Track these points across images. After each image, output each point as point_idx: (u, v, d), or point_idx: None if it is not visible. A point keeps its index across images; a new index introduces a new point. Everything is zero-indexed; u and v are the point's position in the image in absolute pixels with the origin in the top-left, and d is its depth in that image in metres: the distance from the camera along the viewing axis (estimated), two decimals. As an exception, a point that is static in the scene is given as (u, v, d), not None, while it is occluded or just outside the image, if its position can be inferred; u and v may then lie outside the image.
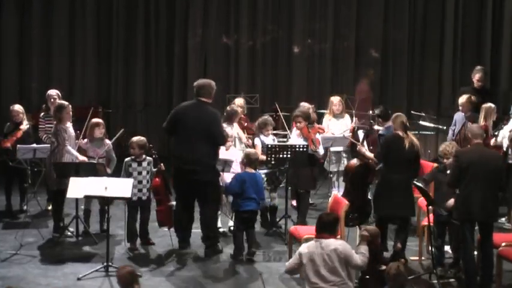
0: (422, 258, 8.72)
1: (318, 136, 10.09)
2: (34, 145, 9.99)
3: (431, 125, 12.76)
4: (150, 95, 15.05)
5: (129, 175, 8.97)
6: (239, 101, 11.21)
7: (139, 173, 9.06)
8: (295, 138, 9.97)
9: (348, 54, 15.05)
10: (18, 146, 9.89)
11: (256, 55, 15.04)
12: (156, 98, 15.01)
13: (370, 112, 12.20)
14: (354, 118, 11.64)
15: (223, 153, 9.50)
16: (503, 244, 7.90)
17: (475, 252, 7.86)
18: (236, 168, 9.44)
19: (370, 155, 8.99)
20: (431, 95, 14.98)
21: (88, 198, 9.33)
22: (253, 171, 8.91)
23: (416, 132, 12.02)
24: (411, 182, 8.42)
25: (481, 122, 10.33)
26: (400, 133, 8.47)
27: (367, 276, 7.23)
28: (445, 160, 8.28)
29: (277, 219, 9.91)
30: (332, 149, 11.00)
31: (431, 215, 8.02)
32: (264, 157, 9.47)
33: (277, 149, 9.47)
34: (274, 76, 15.03)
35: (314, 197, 11.20)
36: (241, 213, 8.81)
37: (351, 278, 6.78)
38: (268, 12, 14.98)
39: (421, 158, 8.85)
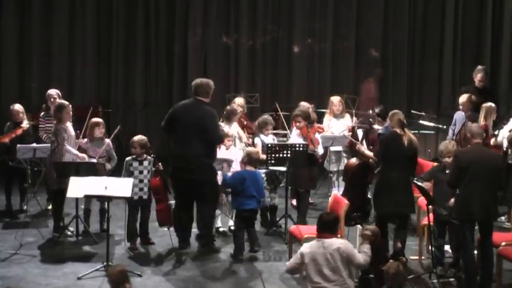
0: (422, 257, 8.72)
1: (318, 136, 10.09)
2: (34, 145, 9.99)
3: (431, 124, 12.76)
4: (150, 94, 15.04)
5: (130, 174, 8.99)
6: (239, 101, 11.22)
7: (141, 172, 9.08)
8: (295, 138, 9.97)
9: (348, 54, 15.05)
10: (18, 145, 9.88)
11: (256, 55, 15.03)
12: (156, 98, 15.01)
13: (370, 111, 12.20)
14: (354, 118, 11.65)
15: (223, 152, 9.50)
16: (503, 243, 7.90)
17: (475, 252, 7.86)
18: (236, 167, 9.45)
19: (370, 153, 8.98)
20: (431, 95, 14.97)
21: (88, 198, 9.33)
22: (253, 169, 8.92)
23: (416, 131, 12.02)
24: (410, 179, 8.42)
25: (481, 121, 10.33)
26: (398, 130, 8.45)
27: (370, 276, 7.23)
28: (445, 159, 8.28)
29: (277, 219, 9.91)
30: (332, 148, 11.01)
31: (431, 215, 8.02)
32: (264, 156, 9.47)
33: (277, 148, 9.47)
34: (274, 76, 15.02)
35: (314, 196, 11.20)
36: (242, 212, 8.81)
37: (352, 277, 6.79)
38: (268, 12, 14.97)
39: (418, 155, 8.84)
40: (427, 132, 13.05)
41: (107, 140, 9.75)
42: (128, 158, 9.16)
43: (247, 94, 13.09)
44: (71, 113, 9.67)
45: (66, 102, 9.74)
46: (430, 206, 7.98)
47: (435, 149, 11.85)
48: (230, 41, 15.01)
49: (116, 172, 9.48)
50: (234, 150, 9.85)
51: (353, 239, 7.73)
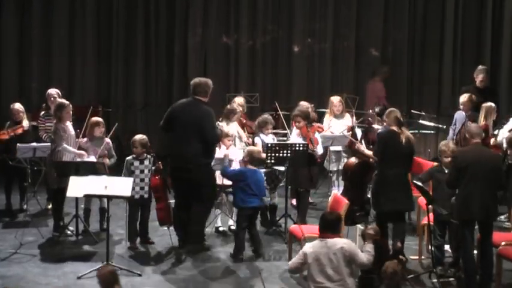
0: (422, 257, 8.72)
1: (317, 135, 10.09)
2: (34, 144, 9.98)
3: (431, 124, 12.76)
4: (150, 94, 15.04)
5: (131, 173, 9.01)
6: (239, 100, 11.22)
7: (142, 172, 9.10)
8: (294, 138, 9.97)
9: (348, 54, 15.05)
10: (18, 145, 9.88)
11: (256, 55, 15.03)
12: (156, 97, 15.01)
13: (370, 111, 12.20)
14: (353, 118, 11.64)
15: (223, 152, 9.49)
16: (502, 243, 7.89)
17: (475, 252, 7.86)
18: (236, 167, 9.43)
19: (369, 152, 8.97)
20: (431, 95, 14.96)
21: (88, 197, 9.34)
22: (254, 168, 8.92)
23: (416, 131, 12.02)
24: (408, 177, 8.42)
25: (481, 121, 10.34)
26: (395, 128, 8.43)
27: (373, 275, 7.24)
28: (444, 159, 8.29)
29: (277, 218, 9.91)
30: (332, 148, 11.01)
31: (431, 214, 8.02)
32: (264, 156, 9.46)
33: (277, 148, 9.47)
34: (274, 76, 15.02)
35: (314, 196, 11.20)
36: (245, 210, 8.79)
37: (353, 276, 6.79)
38: (268, 12, 14.97)
39: (418, 155, 8.84)
40: (427, 132, 13.05)
41: (107, 139, 9.76)
42: (128, 158, 9.18)
43: (247, 94, 13.08)
44: (71, 112, 9.67)
45: (67, 102, 9.75)
46: (430, 206, 7.99)
47: (435, 149, 11.85)
48: (230, 41, 15.02)
49: (115, 171, 9.48)
50: (233, 149, 9.84)
51: (353, 238, 7.74)
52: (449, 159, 8.08)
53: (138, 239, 9.22)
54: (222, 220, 9.82)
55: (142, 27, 14.86)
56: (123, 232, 9.34)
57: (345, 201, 8.20)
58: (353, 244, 6.86)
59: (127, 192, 8.20)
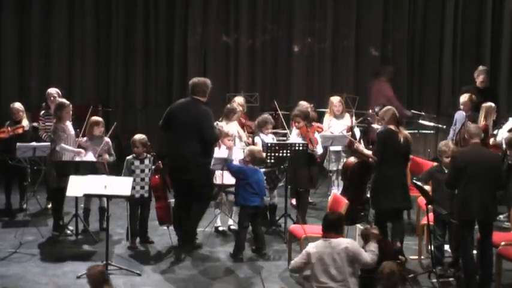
0: (422, 257, 8.72)
1: (317, 135, 10.08)
2: (34, 143, 9.97)
3: (431, 124, 12.75)
4: (150, 94, 15.03)
5: (131, 173, 9.02)
6: (239, 100, 11.21)
7: (142, 171, 9.12)
8: (294, 138, 9.97)
9: (347, 53, 15.04)
10: (17, 144, 9.86)
11: (256, 54, 15.02)
12: (155, 97, 14.99)
13: (370, 111, 12.19)
14: (353, 117, 11.64)
15: (223, 152, 9.49)
16: (502, 243, 7.90)
17: (475, 252, 7.86)
18: (236, 167, 9.44)
19: (368, 152, 8.97)
20: (431, 95, 14.94)
21: (88, 197, 9.34)
22: (255, 167, 8.91)
23: (416, 131, 12.02)
24: (406, 176, 8.42)
25: (481, 121, 10.34)
26: (393, 127, 8.44)
27: (374, 275, 7.23)
28: (444, 159, 8.29)
29: (277, 218, 9.91)
30: (331, 148, 11.00)
31: (430, 214, 8.02)
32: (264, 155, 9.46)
33: (277, 147, 9.47)
34: (274, 75, 15.00)
35: (313, 195, 11.20)
36: (247, 209, 8.78)
37: (355, 276, 6.80)
38: (268, 11, 14.96)
39: (418, 155, 8.84)
40: (427, 132, 13.04)
41: (107, 139, 9.77)
42: (129, 157, 9.19)
43: (247, 93, 13.08)
44: (71, 112, 9.67)
45: (67, 101, 9.75)
46: (430, 206, 7.99)
47: (435, 149, 11.83)
48: (230, 40, 15.00)
49: (115, 171, 9.48)
50: (233, 149, 9.84)
51: (352, 238, 7.73)
52: (450, 159, 8.08)
53: (138, 239, 9.21)
54: (221, 220, 9.82)
55: (142, 27, 14.84)
56: (123, 232, 9.35)
57: (345, 201, 8.20)
58: (356, 243, 6.87)
59: (126, 191, 8.21)
